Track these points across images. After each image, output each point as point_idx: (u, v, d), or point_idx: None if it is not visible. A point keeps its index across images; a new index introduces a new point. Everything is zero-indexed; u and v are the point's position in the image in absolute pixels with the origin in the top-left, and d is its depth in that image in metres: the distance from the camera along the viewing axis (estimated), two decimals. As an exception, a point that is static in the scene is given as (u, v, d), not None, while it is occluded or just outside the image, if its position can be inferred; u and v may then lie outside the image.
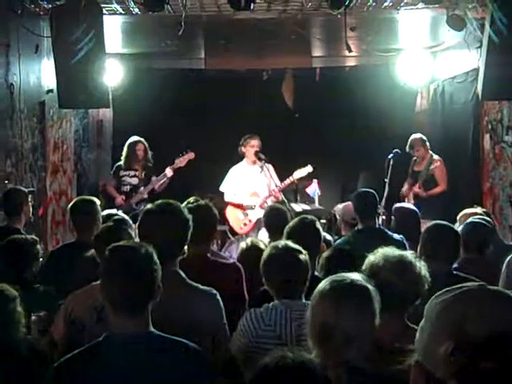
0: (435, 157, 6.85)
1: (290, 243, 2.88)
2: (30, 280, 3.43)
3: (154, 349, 2.03)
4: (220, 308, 2.67)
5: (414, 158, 7.00)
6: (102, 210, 4.51)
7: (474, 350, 1.07)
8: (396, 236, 4.29)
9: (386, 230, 4.56)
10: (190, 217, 2.69)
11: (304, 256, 2.80)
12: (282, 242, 2.94)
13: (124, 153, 6.88)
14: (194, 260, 3.02)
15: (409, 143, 6.93)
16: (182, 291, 2.58)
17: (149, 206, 2.74)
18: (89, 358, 2.03)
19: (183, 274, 2.64)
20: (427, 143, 6.90)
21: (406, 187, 6.98)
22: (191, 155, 6.82)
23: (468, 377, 1.07)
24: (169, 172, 6.71)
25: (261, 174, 6.73)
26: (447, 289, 1.20)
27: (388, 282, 2.24)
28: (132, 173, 6.82)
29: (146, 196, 6.74)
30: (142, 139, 6.89)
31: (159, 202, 2.73)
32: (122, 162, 6.89)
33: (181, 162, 6.76)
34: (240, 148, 6.82)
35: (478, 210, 4.75)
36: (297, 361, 1.64)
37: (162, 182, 6.75)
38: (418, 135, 6.95)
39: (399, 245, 3.49)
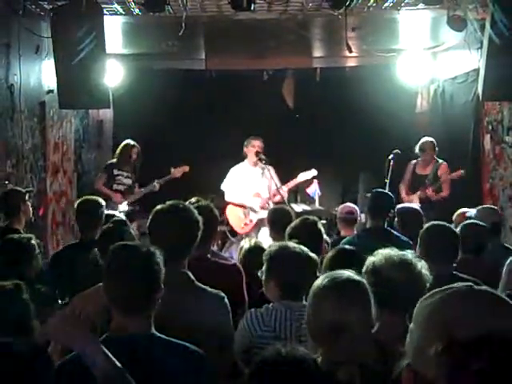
0: (441, 161, 6.76)
1: (300, 245, 2.88)
2: (30, 278, 3.44)
3: (153, 350, 2.03)
4: (228, 311, 2.66)
5: (414, 160, 6.86)
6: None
7: (464, 350, 1.08)
8: (403, 237, 4.29)
9: (393, 231, 4.55)
10: (200, 218, 2.69)
11: (315, 258, 2.81)
12: (291, 243, 2.93)
13: (119, 152, 6.85)
14: (195, 260, 3.01)
15: (420, 145, 6.75)
16: (190, 293, 2.58)
17: (159, 205, 2.72)
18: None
19: (192, 276, 2.64)
20: (436, 148, 6.77)
21: (404, 191, 6.78)
22: (186, 168, 6.89)
23: (458, 377, 1.08)
24: (156, 186, 6.80)
25: (262, 176, 6.73)
26: (434, 291, 1.22)
27: (389, 281, 2.24)
28: (125, 173, 6.79)
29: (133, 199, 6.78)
30: (137, 145, 6.90)
31: (170, 202, 2.72)
32: (114, 161, 6.86)
33: (175, 174, 6.85)
34: (244, 149, 6.82)
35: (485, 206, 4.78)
36: (292, 355, 1.67)
37: (147, 192, 6.80)
38: (430, 139, 6.80)
39: (405, 246, 3.49)
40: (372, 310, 2.01)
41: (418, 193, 6.64)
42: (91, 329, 2.62)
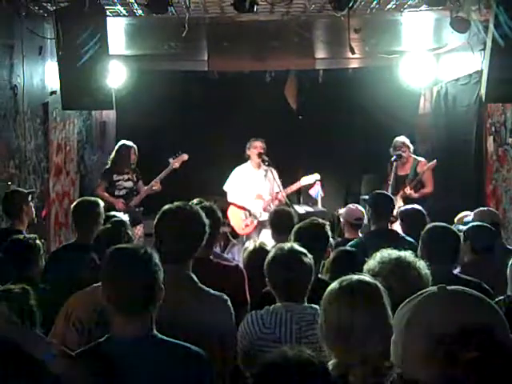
0: (420, 159, 6.79)
1: (296, 245, 2.88)
2: (35, 277, 3.45)
3: (154, 352, 2.03)
4: (230, 314, 2.66)
5: (395, 162, 6.72)
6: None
7: (453, 345, 1.11)
8: (408, 238, 4.28)
9: (399, 232, 4.55)
10: (207, 221, 2.68)
11: (308, 259, 2.80)
12: (287, 244, 2.93)
13: (116, 155, 6.67)
14: (197, 262, 3.01)
15: (395, 145, 6.74)
16: (193, 295, 2.58)
17: (167, 206, 2.70)
18: (89, 358, 2.03)
19: (195, 278, 2.64)
20: (411, 146, 6.78)
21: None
22: (184, 157, 6.75)
23: (450, 372, 1.11)
24: (158, 183, 6.65)
25: (265, 178, 6.73)
26: (409, 299, 1.25)
27: (387, 287, 2.23)
28: (126, 177, 6.62)
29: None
30: (134, 145, 6.73)
31: (178, 203, 2.70)
32: (112, 165, 6.65)
33: (174, 164, 6.70)
34: (246, 151, 6.81)
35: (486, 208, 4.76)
36: (297, 358, 1.67)
37: (149, 192, 6.67)
38: (403, 138, 6.81)
39: (412, 247, 3.51)
40: (388, 312, 2.00)
41: (400, 192, 6.59)
42: (79, 330, 2.63)
